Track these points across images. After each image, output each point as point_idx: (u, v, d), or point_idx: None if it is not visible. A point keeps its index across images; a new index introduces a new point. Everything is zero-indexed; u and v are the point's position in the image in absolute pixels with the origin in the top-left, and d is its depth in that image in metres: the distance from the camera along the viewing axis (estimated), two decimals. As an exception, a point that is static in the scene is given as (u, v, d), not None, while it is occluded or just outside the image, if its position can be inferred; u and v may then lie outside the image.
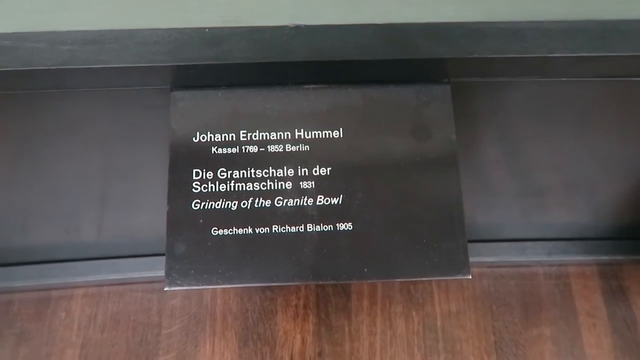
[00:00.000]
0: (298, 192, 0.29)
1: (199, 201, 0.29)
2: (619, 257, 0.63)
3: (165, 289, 0.27)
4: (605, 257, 0.63)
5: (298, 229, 0.29)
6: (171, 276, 0.27)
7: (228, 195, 0.29)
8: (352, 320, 0.60)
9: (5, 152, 0.41)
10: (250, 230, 0.28)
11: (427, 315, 0.60)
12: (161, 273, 0.61)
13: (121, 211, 0.55)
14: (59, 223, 0.56)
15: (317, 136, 0.30)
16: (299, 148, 0.30)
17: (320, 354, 0.57)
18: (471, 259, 0.59)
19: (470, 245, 0.56)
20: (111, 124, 0.37)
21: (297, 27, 0.31)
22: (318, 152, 0.30)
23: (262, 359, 0.57)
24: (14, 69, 0.27)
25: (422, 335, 0.59)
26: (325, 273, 0.28)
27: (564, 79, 0.37)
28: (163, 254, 0.65)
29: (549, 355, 0.58)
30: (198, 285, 0.27)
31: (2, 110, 0.35)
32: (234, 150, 0.30)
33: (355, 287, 0.61)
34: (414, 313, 0.60)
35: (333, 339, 0.58)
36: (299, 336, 0.58)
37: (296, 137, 0.30)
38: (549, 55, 0.33)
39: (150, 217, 0.54)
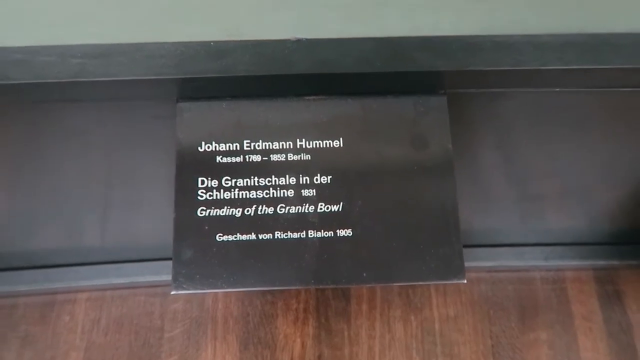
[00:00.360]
0: (300, 200, 0.30)
1: (205, 208, 0.30)
2: (615, 262, 0.64)
3: (172, 292, 0.28)
4: (601, 262, 0.64)
5: (299, 235, 0.30)
6: (178, 280, 0.28)
7: (232, 203, 0.30)
8: (352, 324, 0.61)
9: (14, 159, 0.43)
10: (253, 237, 0.30)
11: (426, 320, 0.61)
12: (164, 277, 0.62)
13: (125, 217, 0.56)
14: (64, 228, 0.57)
15: (318, 146, 0.32)
16: (300, 157, 0.31)
17: (319, 357, 0.58)
18: (469, 264, 0.60)
19: (468, 250, 0.57)
20: (118, 133, 0.38)
21: (299, 41, 0.32)
22: (319, 161, 0.31)
23: (262, 363, 0.58)
24: (26, 81, 0.28)
25: (421, 339, 0.60)
26: (326, 278, 0.29)
27: (557, 89, 0.38)
28: (166, 259, 0.66)
29: (545, 359, 0.59)
30: (203, 290, 0.28)
31: (12, 119, 0.36)
32: (238, 159, 0.31)
33: (354, 292, 0.62)
34: (412, 317, 0.61)
35: (333, 342, 0.59)
36: (299, 340, 0.59)
37: (298, 146, 0.32)
38: (542, 67, 0.34)
39: (153, 223, 0.55)
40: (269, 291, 0.60)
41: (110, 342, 0.58)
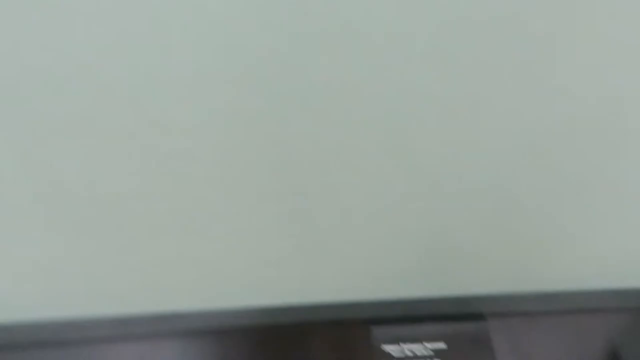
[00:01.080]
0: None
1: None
2: None
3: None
4: None
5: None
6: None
7: (404, 368, 0.66)
8: None
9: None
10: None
11: None
12: None
13: None
14: None
15: (434, 346, 0.70)
16: (426, 351, 0.69)
17: None
18: None
19: None
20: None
21: (422, 299, 0.74)
22: (436, 354, 0.69)
23: None
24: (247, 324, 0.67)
25: None
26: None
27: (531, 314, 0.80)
28: None
29: None
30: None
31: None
32: (399, 351, 0.68)
33: None
34: None
35: None
36: None
37: (423, 345, 0.70)
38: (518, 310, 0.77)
39: None
40: None
41: None
